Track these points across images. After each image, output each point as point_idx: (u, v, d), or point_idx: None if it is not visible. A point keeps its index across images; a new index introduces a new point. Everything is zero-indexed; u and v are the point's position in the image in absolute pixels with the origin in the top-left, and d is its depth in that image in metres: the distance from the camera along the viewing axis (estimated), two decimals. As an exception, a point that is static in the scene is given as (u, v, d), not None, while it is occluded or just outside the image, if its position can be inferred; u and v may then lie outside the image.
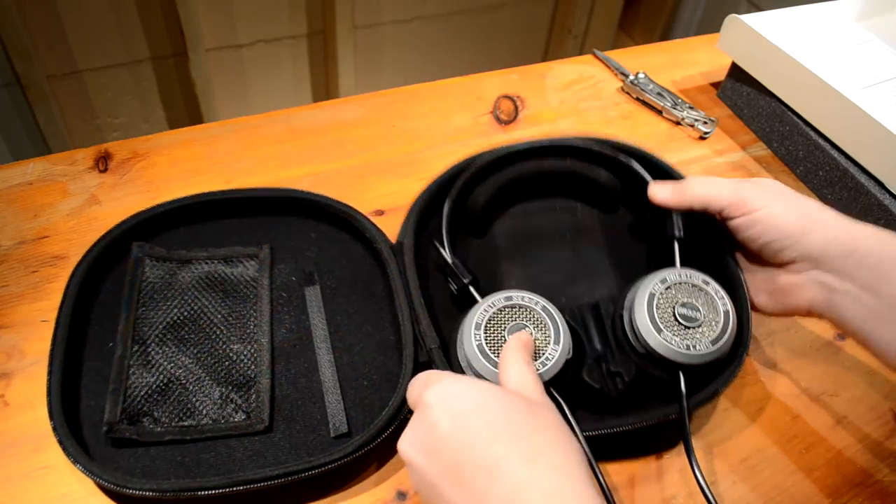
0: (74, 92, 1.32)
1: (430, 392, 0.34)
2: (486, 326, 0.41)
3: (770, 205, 0.44)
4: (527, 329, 0.41)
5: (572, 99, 0.72)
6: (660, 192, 0.48)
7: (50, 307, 0.45)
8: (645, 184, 0.50)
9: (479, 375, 0.40)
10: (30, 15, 1.17)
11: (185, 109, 1.46)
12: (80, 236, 0.52)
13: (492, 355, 0.40)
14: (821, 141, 0.63)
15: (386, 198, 0.58)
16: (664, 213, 0.48)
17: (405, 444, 0.34)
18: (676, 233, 0.47)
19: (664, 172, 0.53)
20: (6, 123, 1.30)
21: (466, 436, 0.31)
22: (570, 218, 0.54)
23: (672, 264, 0.46)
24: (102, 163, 0.58)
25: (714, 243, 0.48)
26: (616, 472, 0.44)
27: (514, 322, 0.41)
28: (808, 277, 0.43)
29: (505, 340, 0.40)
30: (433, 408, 0.33)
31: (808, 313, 0.44)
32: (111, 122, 1.42)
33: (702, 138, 0.69)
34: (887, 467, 0.45)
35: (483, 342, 0.40)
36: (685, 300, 0.43)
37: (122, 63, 1.33)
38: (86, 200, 0.55)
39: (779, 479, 0.44)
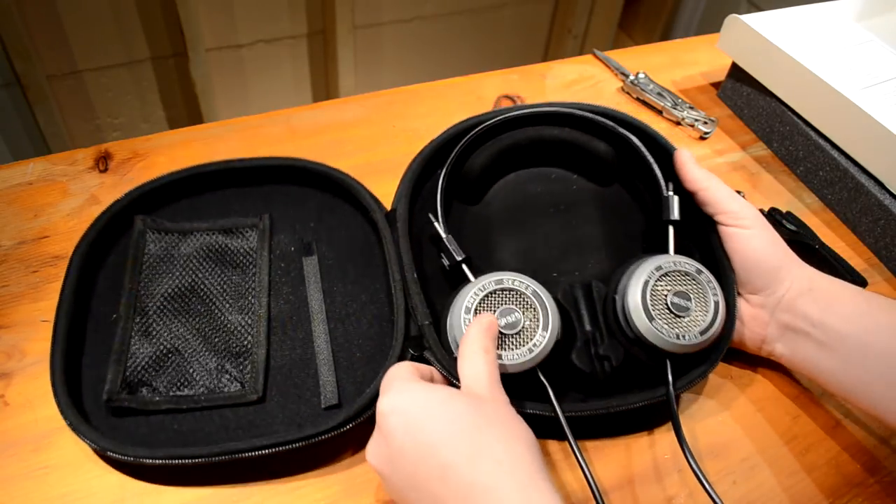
0: (74, 92, 1.32)
1: (385, 402, 0.35)
2: (475, 311, 0.42)
3: (763, 228, 0.46)
4: (515, 313, 0.41)
5: (572, 99, 0.72)
6: (687, 163, 0.48)
7: (50, 307, 0.45)
8: (644, 159, 0.50)
9: None
10: (30, 15, 1.17)
11: (185, 109, 1.46)
12: (81, 236, 0.52)
13: None
14: (821, 141, 0.63)
15: (386, 198, 0.58)
16: (660, 193, 0.48)
17: (371, 456, 0.36)
18: (673, 216, 0.47)
19: (663, 149, 0.51)
20: (6, 123, 1.30)
21: (418, 445, 0.33)
22: (565, 189, 0.53)
23: (665, 247, 0.47)
24: (102, 163, 0.58)
25: (705, 229, 0.49)
26: (615, 471, 0.44)
27: (503, 306, 0.42)
28: (768, 312, 0.46)
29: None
30: (388, 418, 0.35)
31: (758, 350, 0.47)
32: (111, 122, 1.42)
33: (702, 138, 0.69)
34: (887, 467, 0.45)
35: None
36: (678, 289, 0.43)
37: (122, 63, 1.33)
38: (86, 200, 0.55)
39: (779, 479, 0.44)
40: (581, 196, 0.53)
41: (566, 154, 0.53)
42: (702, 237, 0.49)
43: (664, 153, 0.51)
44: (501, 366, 0.40)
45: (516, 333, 0.41)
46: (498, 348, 0.41)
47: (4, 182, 0.55)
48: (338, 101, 0.68)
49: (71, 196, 0.55)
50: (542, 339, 0.41)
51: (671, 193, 0.48)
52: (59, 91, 1.30)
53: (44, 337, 0.44)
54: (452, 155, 0.50)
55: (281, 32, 1.44)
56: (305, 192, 0.53)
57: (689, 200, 0.49)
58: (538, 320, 0.42)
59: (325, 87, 1.59)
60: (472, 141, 0.51)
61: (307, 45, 1.50)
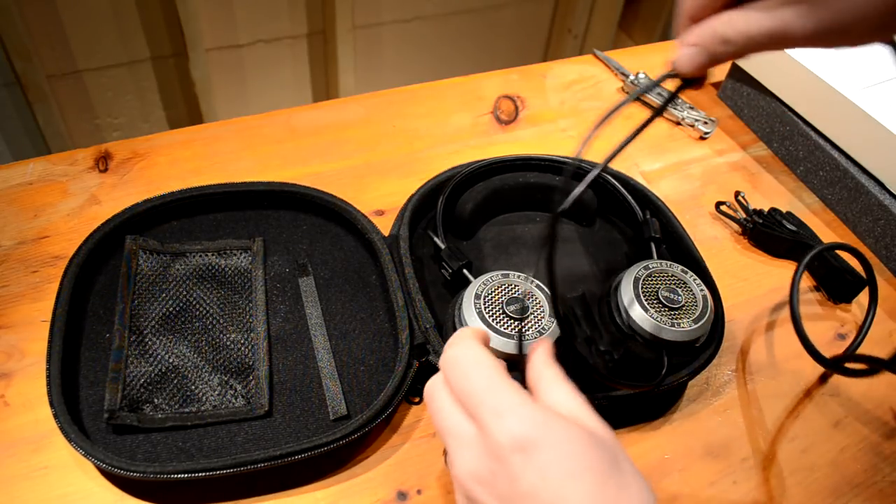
0: (74, 92, 1.32)
1: (515, 427, 0.29)
2: (485, 297, 0.43)
3: None
4: (523, 301, 0.44)
5: (572, 99, 0.72)
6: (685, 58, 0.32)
7: (50, 307, 0.45)
8: (622, 201, 0.55)
9: None
10: (30, 15, 1.17)
11: (185, 109, 1.46)
12: (81, 236, 0.52)
13: (491, 322, 0.42)
14: (821, 141, 0.63)
15: (386, 198, 0.58)
16: (640, 221, 0.54)
17: (469, 478, 0.29)
18: (653, 234, 0.52)
19: (639, 192, 0.57)
20: (6, 123, 1.30)
21: (552, 499, 0.28)
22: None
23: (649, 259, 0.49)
24: (102, 163, 0.58)
25: (682, 249, 0.53)
26: (616, 472, 0.44)
27: (510, 296, 0.44)
28: None
29: (503, 311, 0.43)
30: (516, 457, 0.28)
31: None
32: (111, 122, 1.42)
33: (702, 138, 0.69)
34: (887, 467, 0.45)
35: (482, 310, 0.43)
36: (667, 285, 0.46)
37: (122, 63, 1.33)
38: (86, 200, 0.55)
39: (779, 479, 0.44)
40: (566, 235, 0.57)
41: (550, 199, 0.57)
42: (680, 255, 0.53)
43: (642, 195, 0.57)
44: (514, 347, 0.41)
45: (526, 318, 0.43)
46: (509, 331, 0.42)
47: (4, 182, 0.55)
48: (338, 101, 0.68)
49: (71, 196, 0.55)
50: (550, 323, 0.43)
51: (650, 217, 0.53)
52: (59, 91, 1.30)
53: (44, 337, 0.44)
54: (447, 187, 0.53)
55: (281, 32, 1.44)
56: (297, 216, 0.54)
57: (666, 225, 0.54)
58: (544, 308, 0.44)
59: (325, 87, 1.58)
60: (464, 179, 0.55)
61: (307, 45, 1.49)
